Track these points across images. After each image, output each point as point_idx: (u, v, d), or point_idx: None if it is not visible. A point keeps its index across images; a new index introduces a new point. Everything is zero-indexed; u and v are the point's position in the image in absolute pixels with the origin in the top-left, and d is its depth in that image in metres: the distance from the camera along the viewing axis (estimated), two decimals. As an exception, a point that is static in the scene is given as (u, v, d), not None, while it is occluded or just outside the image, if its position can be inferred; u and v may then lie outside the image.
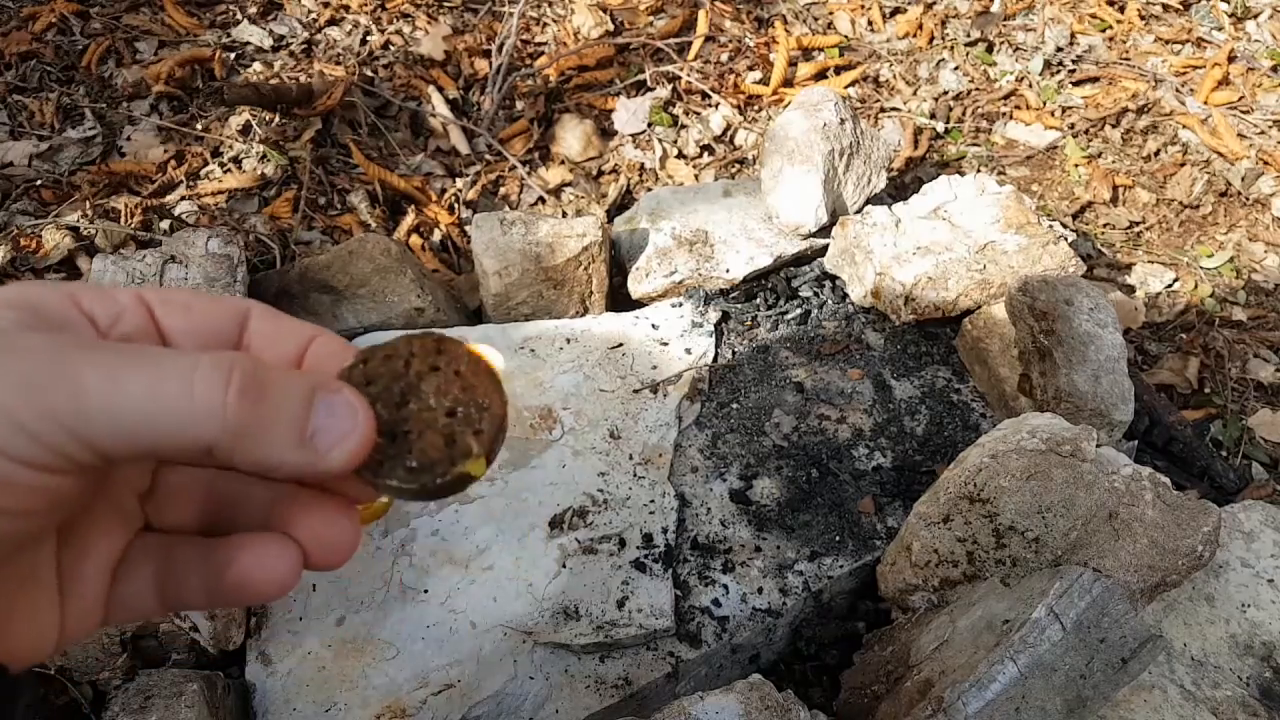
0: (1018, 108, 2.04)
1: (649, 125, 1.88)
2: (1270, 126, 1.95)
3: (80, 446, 0.25)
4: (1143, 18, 2.26)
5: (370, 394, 0.31)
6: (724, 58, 2.03)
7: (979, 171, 1.89)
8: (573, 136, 1.83)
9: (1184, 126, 1.97)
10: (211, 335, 0.31)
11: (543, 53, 1.97)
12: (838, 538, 1.09)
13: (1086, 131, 1.98)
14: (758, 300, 1.41)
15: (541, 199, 1.74)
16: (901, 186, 1.84)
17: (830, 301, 1.41)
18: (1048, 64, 2.12)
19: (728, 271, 1.39)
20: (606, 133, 1.87)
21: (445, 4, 2.01)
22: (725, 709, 0.80)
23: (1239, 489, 1.33)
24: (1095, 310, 1.16)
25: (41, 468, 0.25)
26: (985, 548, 0.92)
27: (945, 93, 2.06)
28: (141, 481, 0.32)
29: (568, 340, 1.29)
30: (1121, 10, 2.27)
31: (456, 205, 1.69)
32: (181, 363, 0.26)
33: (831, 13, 2.21)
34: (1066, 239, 1.30)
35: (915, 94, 2.05)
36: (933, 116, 2.00)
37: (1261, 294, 1.70)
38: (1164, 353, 1.59)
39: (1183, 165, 1.90)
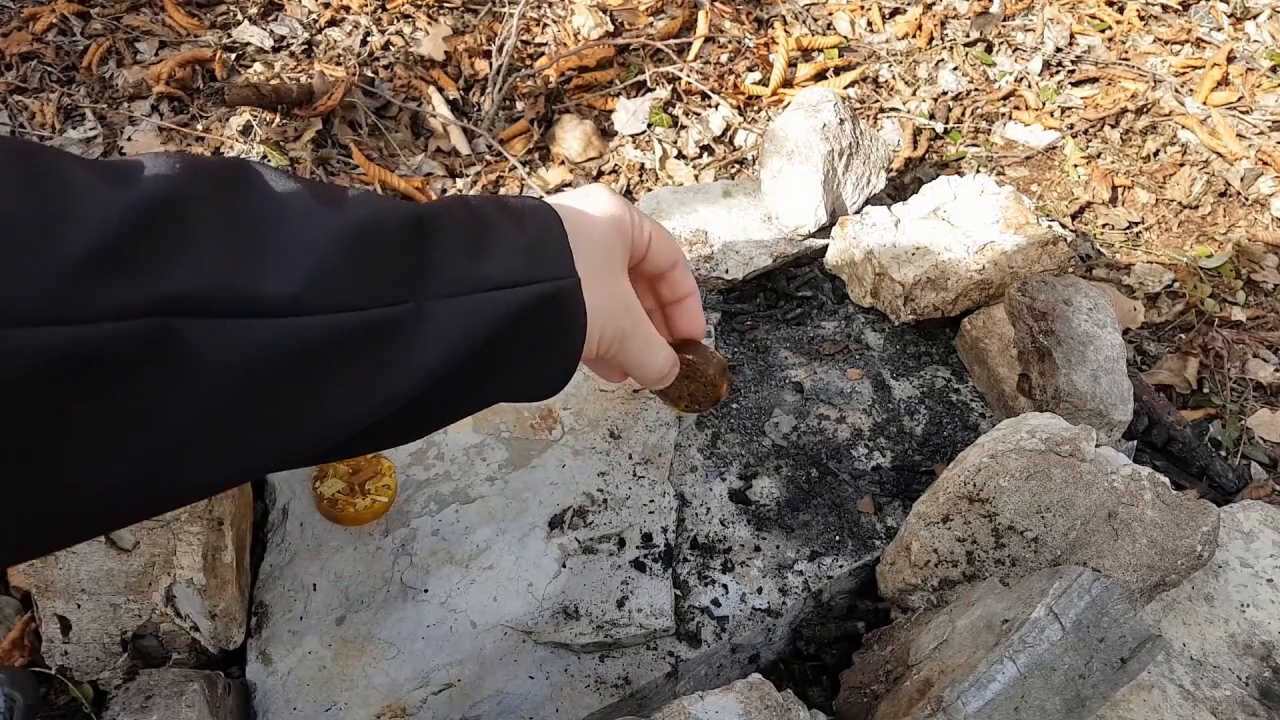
0: (1017, 108, 2.04)
1: (649, 126, 1.88)
2: (1270, 127, 1.95)
3: (608, 352, 0.57)
4: (1142, 18, 2.26)
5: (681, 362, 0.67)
6: (724, 58, 2.03)
7: (978, 172, 1.89)
8: (573, 137, 1.83)
9: (1183, 127, 1.97)
10: (664, 260, 0.63)
11: (543, 53, 1.97)
12: (837, 537, 1.09)
13: (1086, 132, 1.99)
14: (757, 300, 1.41)
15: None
16: (901, 187, 1.84)
17: (829, 302, 1.41)
18: (1047, 64, 2.12)
19: (727, 272, 1.40)
20: (606, 133, 1.87)
21: (445, 5, 2.02)
22: (725, 708, 0.81)
23: (1238, 489, 1.33)
24: (1094, 310, 1.17)
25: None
26: (984, 547, 0.92)
27: (944, 93, 2.06)
28: None
29: (568, 340, 1.29)
30: (1121, 11, 2.27)
31: (457, 206, 1.69)
32: (666, 348, 0.62)
33: (831, 13, 2.21)
34: (1066, 239, 1.30)
35: (914, 94, 2.05)
36: (932, 117, 2.00)
37: (1261, 294, 1.70)
38: (1163, 353, 1.59)
39: (1182, 165, 1.90)
